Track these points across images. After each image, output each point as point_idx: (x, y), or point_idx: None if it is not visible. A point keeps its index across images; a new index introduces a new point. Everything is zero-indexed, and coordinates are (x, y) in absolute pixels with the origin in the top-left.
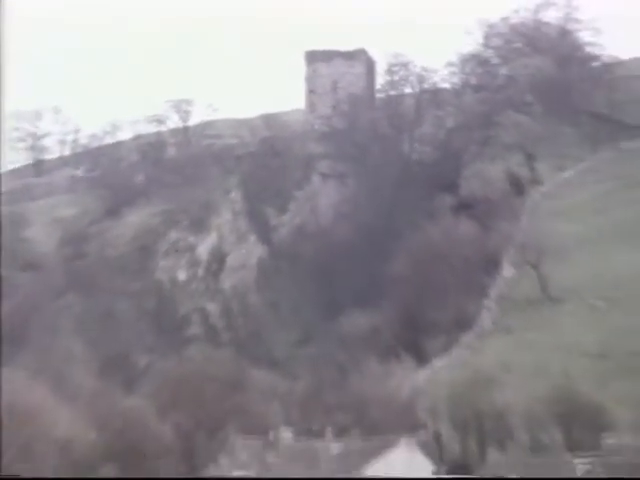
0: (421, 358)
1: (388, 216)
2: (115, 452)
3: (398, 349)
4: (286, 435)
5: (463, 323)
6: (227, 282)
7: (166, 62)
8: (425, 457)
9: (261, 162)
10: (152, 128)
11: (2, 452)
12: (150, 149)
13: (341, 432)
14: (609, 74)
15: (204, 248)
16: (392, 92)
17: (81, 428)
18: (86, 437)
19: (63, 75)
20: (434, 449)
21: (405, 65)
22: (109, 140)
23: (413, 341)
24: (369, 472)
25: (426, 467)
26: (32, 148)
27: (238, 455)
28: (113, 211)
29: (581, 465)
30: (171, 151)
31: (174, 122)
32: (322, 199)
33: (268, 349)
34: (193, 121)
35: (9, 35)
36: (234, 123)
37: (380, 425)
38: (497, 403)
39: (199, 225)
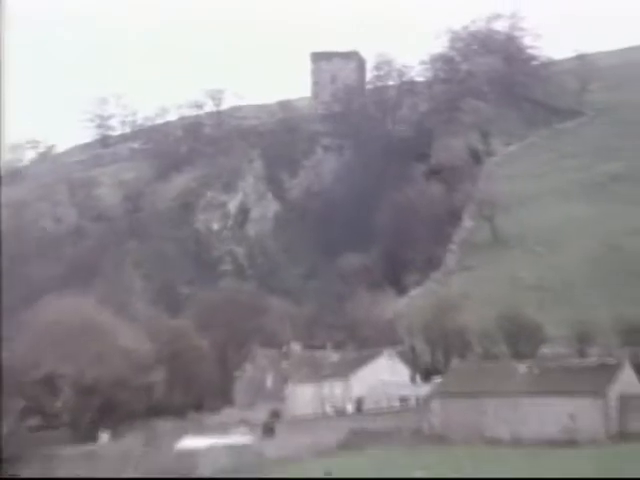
0: (400, 289)
1: (375, 179)
2: (164, 358)
3: (383, 282)
4: (296, 347)
5: (433, 263)
6: (251, 231)
7: (204, 60)
8: (403, 364)
9: (277, 138)
10: (192, 111)
11: (81, 360)
12: (191, 127)
13: (338, 345)
14: (545, 70)
15: (233, 204)
16: (378, 84)
17: (139, 340)
18: (143, 347)
19: (126, 69)
20: (410, 358)
21: (388, 63)
22: (159, 120)
23: (394, 276)
24: (360, 374)
25: (404, 371)
26: (99, 126)
27: (259, 362)
28: (163, 175)
29: (522, 368)
30: (207, 129)
31: (210, 107)
32: (324, 166)
33: (282, 282)
34: (224, 106)
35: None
36: (256, 108)
37: (368, 340)
38: (458, 323)
39: (229, 187)
